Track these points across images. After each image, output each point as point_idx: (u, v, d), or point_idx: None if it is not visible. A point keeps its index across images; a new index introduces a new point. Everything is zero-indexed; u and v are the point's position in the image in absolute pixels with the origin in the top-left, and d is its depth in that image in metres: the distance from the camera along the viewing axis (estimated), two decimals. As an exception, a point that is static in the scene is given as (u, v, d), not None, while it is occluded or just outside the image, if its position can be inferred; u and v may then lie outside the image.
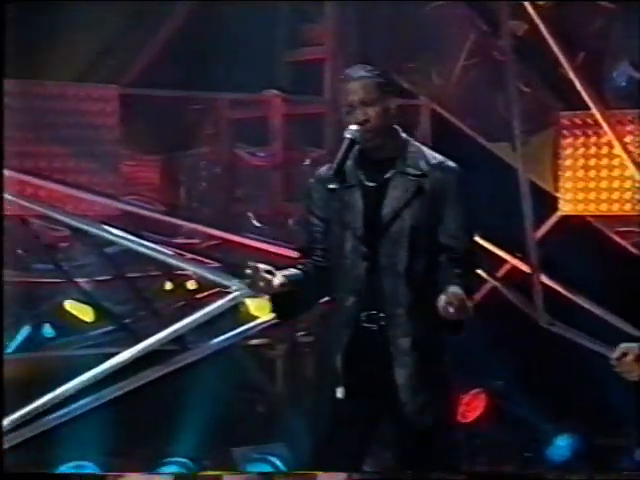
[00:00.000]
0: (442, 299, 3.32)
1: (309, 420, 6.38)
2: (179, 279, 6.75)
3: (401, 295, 3.53)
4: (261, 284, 3.44)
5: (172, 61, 7.06)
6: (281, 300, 3.57)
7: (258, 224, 7.45)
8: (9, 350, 5.61)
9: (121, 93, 6.63)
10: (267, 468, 6.36)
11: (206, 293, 6.78)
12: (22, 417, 5.32)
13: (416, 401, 3.53)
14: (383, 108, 3.57)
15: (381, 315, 3.53)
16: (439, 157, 3.65)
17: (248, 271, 3.43)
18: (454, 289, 3.34)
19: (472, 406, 6.99)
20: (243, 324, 6.62)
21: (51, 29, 6.35)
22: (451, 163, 3.65)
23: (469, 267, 3.61)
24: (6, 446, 5.25)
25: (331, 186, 3.56)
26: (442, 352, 3.63)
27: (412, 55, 7.50)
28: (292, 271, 3.58)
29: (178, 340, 6.22)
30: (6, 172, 5.93)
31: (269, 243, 6.76)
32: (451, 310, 3.30)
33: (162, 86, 6.92)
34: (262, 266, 3.43)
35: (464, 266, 3.55)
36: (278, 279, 3.44)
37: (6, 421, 5.25)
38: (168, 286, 6.75)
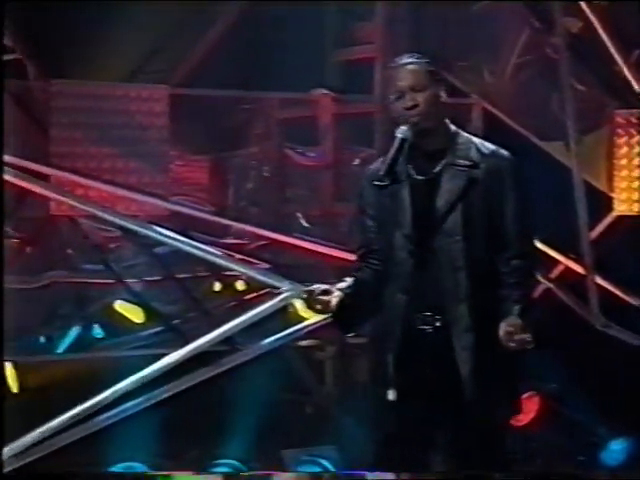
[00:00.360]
0: (502, 329, 3.32)
1: (359, 422, 6.37)
2: (228, 280, 6.74)
3: (461, 290, 3.47)
4: (319, 307, 3.41)
5: (221, 61, 7.04)
6: (342, 315, 3.52)
7: (307, 224, 7.41)
8: (59, 350, 5.61)
9: (170, 93, 6.62)
10: (316, 470, 6.32)
11: (255, 294, 6.75)
12: (72, 418, 5.31)
13: (482, 398, 3.48)
14: (432, 94, 3.52)
15: (437, 312, 3.48)
16: (491, 146, 3.60)
17: (304, 295, 3.41)
18: (514, 320, 3.35)
19: (526, 409, 6.88)
20: (292, 325, 6.59)
21: (100, 29, 6.35)
22: (503, 151, 3.60)
23: (528, 268, 3.55)
24: (57, 447, 5.26)
25: (379, 183, 3.50)
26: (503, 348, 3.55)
27: (464, 53, 7.41)
28: (348, 282, 3.53)
29: (227, 341, 6.20)
30: (58, 173, 5.95)
31: (318, 244, 6.72)
32: (511, 343, 3.32)
33: (211, 86, 6.91)
34: (318, 287, 3.40)
35: (523, 269, 3.50)
36: (335, 298, 3.40)
37: (56, 421, 5.26)
38: (217, 287, 6.74)
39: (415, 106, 3.49)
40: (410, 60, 3.57)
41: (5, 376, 4.86)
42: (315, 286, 3.41)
